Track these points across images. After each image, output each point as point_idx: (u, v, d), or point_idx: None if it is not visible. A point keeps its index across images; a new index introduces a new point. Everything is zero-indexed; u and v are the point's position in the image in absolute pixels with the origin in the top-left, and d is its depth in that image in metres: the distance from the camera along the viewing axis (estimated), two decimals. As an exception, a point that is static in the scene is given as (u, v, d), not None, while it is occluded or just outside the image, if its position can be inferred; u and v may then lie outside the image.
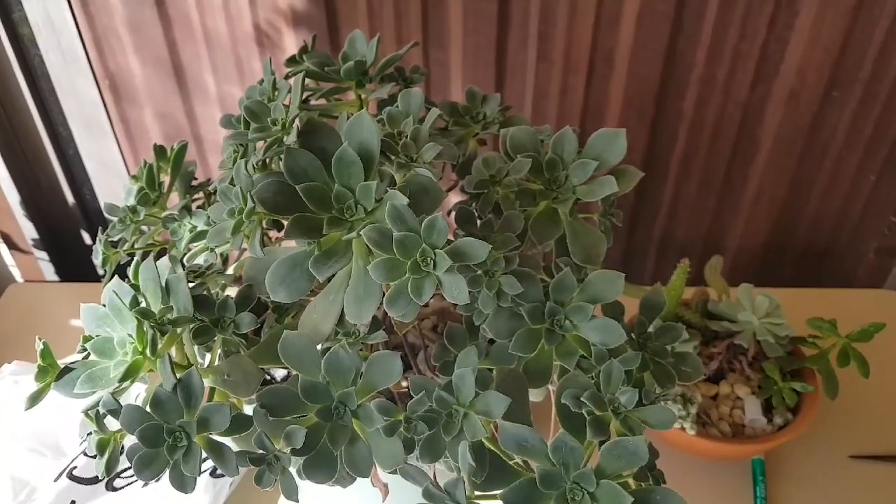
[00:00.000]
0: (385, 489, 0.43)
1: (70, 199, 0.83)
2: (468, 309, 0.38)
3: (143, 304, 0.35)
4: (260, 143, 0.41)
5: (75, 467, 0.56)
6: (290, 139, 0.36)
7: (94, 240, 0.85)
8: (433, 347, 0.41)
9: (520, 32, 0.70)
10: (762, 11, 0.67)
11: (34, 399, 0.34)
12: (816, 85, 0.72)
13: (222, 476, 0.55)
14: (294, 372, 0.36)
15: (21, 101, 0.77)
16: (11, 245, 0.83)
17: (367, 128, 0.36)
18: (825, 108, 0.73)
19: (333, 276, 0.36)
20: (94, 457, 0.36)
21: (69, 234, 0.86)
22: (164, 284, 0.35)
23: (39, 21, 0.72)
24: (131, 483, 0.55)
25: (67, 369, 0.34)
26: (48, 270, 0.86)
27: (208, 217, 0.41)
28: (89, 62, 0.74)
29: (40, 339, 0.35)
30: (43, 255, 0.84)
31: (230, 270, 0.44)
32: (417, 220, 0.32)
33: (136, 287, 0.36)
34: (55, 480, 0.55)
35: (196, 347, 0.37)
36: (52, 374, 0.34)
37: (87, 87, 0.76)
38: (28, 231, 0.82)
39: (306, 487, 0.34)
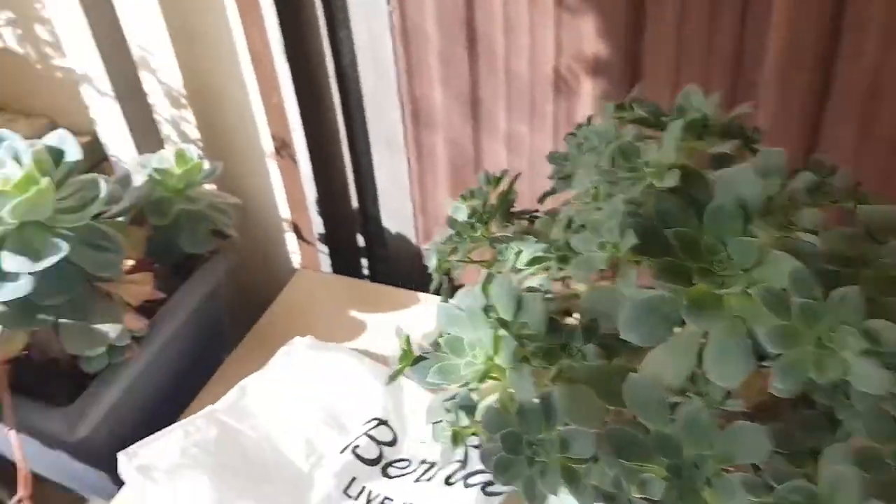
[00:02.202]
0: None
1: (355, 203, 0.93)
2: (827, 395, 0.35)
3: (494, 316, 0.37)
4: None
5: (357, 446, 0.60)
6: (667, 183, 0.36)
7: (367, 242, 0.95)
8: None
9: (839, 106, 0.65)
10: None
11: (392, 377, 0.37)
12: None
13: (493, 495, 0.55)
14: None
15: (332, 112, 0.87)
16: (300, 236, 0.94)
17: (750, 182, 0.35)
18: None
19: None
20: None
21: (346, 234, 0.96)
22: (517, 300, 0.37)
23: (364, 45, 0.82)
24: (404, 475, 0.58)
25: (422, 358, 0.37)
26: (324, 262, 0.96)
27: (549, 246, 0.42)
28: (398, 87, 0.83)
29: (401, 329, 0.38)
30: (323, 248, 0.94)
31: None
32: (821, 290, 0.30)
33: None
34: (341, 452, 0.60)
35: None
36: (409, 358, 0.37)
37: (391, 110, 0.84)
38: (317, 226, 0.93)
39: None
